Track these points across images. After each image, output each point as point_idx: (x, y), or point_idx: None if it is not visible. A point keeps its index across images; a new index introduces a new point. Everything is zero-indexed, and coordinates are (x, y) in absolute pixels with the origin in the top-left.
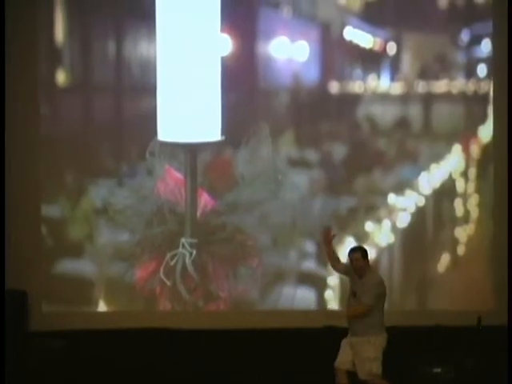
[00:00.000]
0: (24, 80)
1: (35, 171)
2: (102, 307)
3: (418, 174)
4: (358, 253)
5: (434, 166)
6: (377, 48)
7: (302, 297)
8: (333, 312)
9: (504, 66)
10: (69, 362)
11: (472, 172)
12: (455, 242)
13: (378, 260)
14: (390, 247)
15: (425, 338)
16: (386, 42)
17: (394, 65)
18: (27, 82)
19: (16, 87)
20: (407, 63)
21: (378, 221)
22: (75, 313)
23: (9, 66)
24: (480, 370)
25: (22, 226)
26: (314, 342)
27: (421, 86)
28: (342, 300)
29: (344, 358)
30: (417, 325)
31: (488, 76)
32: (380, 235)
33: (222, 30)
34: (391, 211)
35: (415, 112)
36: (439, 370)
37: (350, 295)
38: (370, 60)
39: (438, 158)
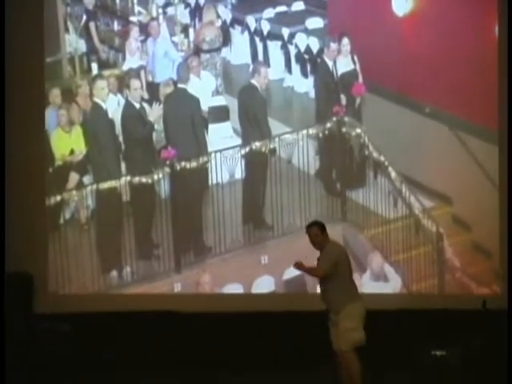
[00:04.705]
0: None
1: (39, 155)
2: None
3: None
4: (315, 227)
5: None
6: None
7: None
8: None
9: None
10: (74, 344)
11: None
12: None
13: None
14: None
15: (431, 321)
16: None
17: None
18: None
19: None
20: None
21: None
22: (81, 295)
23: None
24: (485, 352)
25: (27, 208)
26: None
27: None
28: None
29: (333, 339)
30: (424, 308)
31: None
32: None
33: None
34: None
35: None
36: (444, 352)
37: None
38: None
39: None
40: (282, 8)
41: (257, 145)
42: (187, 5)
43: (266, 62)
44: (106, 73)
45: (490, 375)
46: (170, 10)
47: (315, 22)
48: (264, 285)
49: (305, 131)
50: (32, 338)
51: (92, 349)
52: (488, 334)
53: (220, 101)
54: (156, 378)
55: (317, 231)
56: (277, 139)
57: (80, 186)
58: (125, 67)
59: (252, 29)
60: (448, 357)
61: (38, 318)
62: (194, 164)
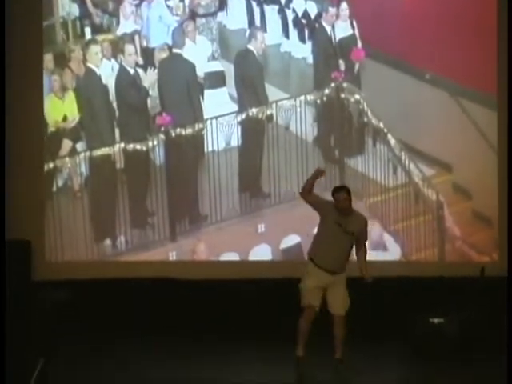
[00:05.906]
0: None
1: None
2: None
3: None
4: (344, 192)
5: None
6: None
7: None
8: None
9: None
10: (73, 311)
11: None
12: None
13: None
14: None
15: (429, 288)
16: None
17: None
18: None
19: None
20: None
21: None
22: (77, 262)
23: None
24: (482, 320)
25: (25, 175)
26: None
27: None
28: None
29: (316, 299)
30: (422, 275)
31: None
32: None
33: None
34: None
35: None
36: (442, 320)
37: (335, 226)
38: None
39: None
40: None
41: (253, 111)
42: None
43: (263, 27)
44: (100, 37)
45: (488, 342)
46: None
47: None
48: (261, 253)
49: (302, 97)
50: (30, 304)
51: (89, 315)
52: (487, 301)
53: (216, 66)
54: (152, 344)
55: (346, 196)
56: (274, 105)
57: (73, 152)
58: (119, 32)
59: None
60: (446, 324)
61: (36, 285)
62: (189, 131)
